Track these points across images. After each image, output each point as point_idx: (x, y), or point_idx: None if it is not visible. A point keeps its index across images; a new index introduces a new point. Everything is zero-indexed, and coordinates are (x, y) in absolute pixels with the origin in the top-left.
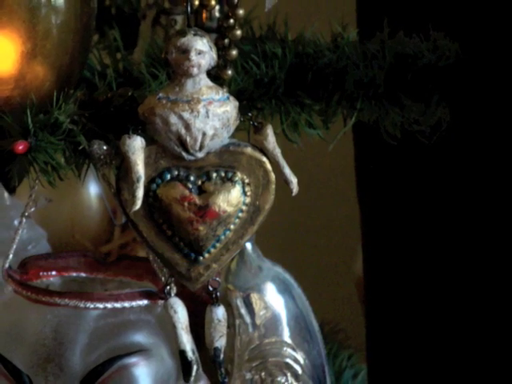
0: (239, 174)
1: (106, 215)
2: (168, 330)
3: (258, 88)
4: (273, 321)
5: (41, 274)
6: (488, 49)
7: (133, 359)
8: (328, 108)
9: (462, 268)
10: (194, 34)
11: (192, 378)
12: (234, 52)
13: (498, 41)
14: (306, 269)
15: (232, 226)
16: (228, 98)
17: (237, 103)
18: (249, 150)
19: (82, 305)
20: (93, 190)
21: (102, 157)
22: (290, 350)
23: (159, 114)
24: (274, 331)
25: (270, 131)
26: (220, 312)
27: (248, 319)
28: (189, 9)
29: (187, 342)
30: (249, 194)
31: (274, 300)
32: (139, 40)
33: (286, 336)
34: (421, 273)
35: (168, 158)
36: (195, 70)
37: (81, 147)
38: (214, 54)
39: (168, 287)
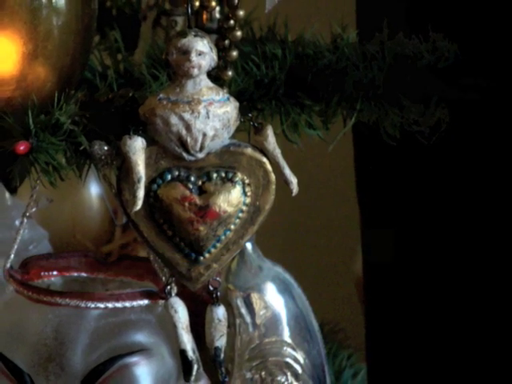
0: (239, 175)
1: (107, 215)
2: (169, 330)
3: (258, 89)
4: (273, 320)
5: (42, 273)
6: (487, 50)
7: (134, 359)
8: (328, 109)
9: (462, 268)
10: (195, 35)
11: (192, 378)
12: (235, 53)
13: (497, 41)
14: (305, 269)
15: (232, 226)
16: (228, 99)
17: (237, 104)
18: (249, 150)
19: (83, 304)
20: (94, 190)
21: (102, 157)
22: (290, 350)
23: (160, 115)
24: (274, 331)
25: (270, 132)
26: (220, 312)
27: (248, 319)
28: (189, 10)
29: (188, 341)
30: (249, 194)
31: (274, 300)
32: (140, 41)
33: (286, 335)
34: (420, 272)
35: (169, 158)
36: (196, 71)
37: (82, 148)
38: (214, 55)
39: (168, 287)
